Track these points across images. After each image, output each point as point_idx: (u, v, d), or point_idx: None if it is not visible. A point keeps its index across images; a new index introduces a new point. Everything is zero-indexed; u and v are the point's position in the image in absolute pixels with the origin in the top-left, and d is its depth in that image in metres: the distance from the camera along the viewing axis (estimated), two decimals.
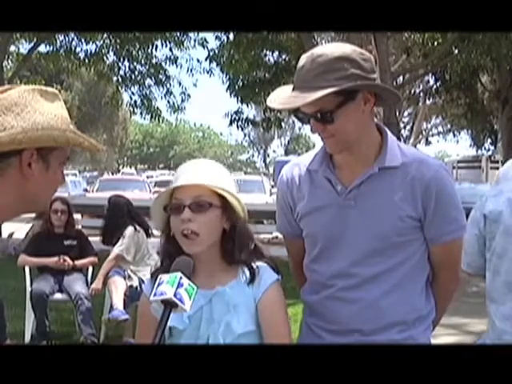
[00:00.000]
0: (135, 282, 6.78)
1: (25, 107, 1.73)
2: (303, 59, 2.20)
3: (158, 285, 1.90)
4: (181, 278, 1.90)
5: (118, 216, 7.06)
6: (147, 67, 19.32)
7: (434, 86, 20.68)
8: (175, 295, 1.86)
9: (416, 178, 2.27)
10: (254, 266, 2.23)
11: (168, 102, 19.87)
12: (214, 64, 18.86)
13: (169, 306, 1.87)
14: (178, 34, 17.78)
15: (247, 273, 2.23)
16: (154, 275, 2.19)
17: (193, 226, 2.16)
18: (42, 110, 1.75)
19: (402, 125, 31.56)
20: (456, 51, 16.37)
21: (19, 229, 11.79)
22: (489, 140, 27.28)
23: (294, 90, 2.19)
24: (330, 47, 2.21)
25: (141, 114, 19.79)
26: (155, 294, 1.89)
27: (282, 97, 2.22)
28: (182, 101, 20.02)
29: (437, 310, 2.44)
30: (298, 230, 2.46)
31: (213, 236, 2.21)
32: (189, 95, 20.25)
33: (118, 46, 18.26)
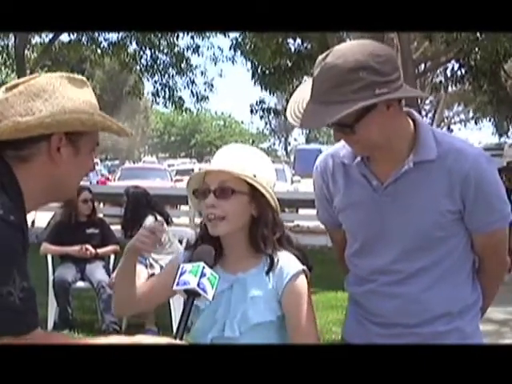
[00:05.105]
0: (157, 271, 6.78)
1: (53, 93, 1.74)
2: (318, 66, 2.08)
3: (181, 274, 1.90)
4: (203, 267, 1.91)
5: (138, 208, 7.07)
6: (169, 56, 19.31)
7: (458, 73, 20.46)
8: (198, 285, 1.87)
9: (453, 170, 2.18)
10: (277, 256, 2.20)
11: (191, 91, 19.87)
12: (237, 52, 18.80)
13: (192, 295, 1.87)
14: None
15: (268, 262, 2.20)
16: (190, 248, 2.26)
17: (216, 211, 2.16)
18: (70, 96, 1.76)
19: (423, 112, 31.36)
20: (481, 37, 16.14)
21: (39, 217, 11.93)
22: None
23: (311, 99, 2.09)
24: (344, 55, 2.04)
25: (164, 103, 19.82)
26: (178, 284, 1.90)
27: (300, 106, 2.13)
28: (206, 90, 20.04)
29: (484, 297, 2.37)
30: (338, 220, 2.41)
31: (238, 221, 2.20)
32: (212, 85, 20.24)
33: (139, 35, 18.25)
